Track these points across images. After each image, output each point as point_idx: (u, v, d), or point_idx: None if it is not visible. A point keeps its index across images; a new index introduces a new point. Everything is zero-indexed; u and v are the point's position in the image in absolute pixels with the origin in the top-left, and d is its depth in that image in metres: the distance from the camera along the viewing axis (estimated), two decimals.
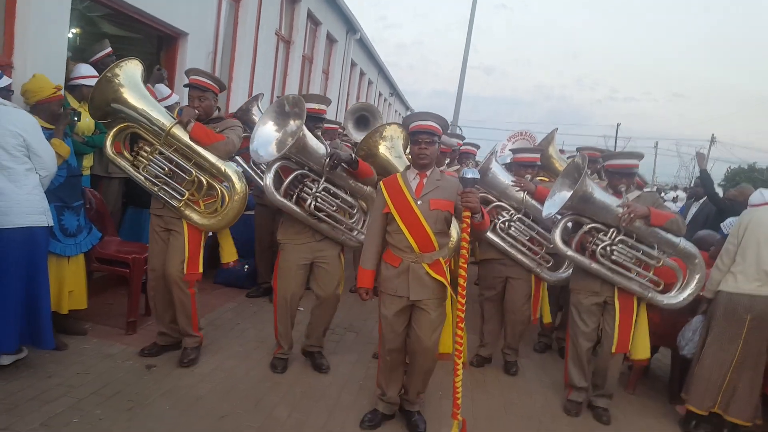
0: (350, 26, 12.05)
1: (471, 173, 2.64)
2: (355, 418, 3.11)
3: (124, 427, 2.71)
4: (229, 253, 3.69)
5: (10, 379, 2.97)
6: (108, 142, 3.30)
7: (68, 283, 3.44)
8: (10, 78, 3.27)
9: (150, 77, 4.69)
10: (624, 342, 3.46)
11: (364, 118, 6.36)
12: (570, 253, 3.47)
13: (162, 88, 4.76)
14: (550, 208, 3.46)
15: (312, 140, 3.36)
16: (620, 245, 3.40)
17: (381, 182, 2.98)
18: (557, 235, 3.48)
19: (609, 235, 3.41)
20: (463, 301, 2.68)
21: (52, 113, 3.33)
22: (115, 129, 3.31)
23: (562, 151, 6.21)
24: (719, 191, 6.04)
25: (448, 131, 4.52)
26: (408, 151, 3.26)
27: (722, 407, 3.40)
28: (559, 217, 3.50)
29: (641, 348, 3.51)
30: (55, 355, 3.29)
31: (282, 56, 8.56)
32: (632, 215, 3.26)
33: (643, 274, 3.44)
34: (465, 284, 2.67)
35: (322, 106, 3.67)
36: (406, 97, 24.27)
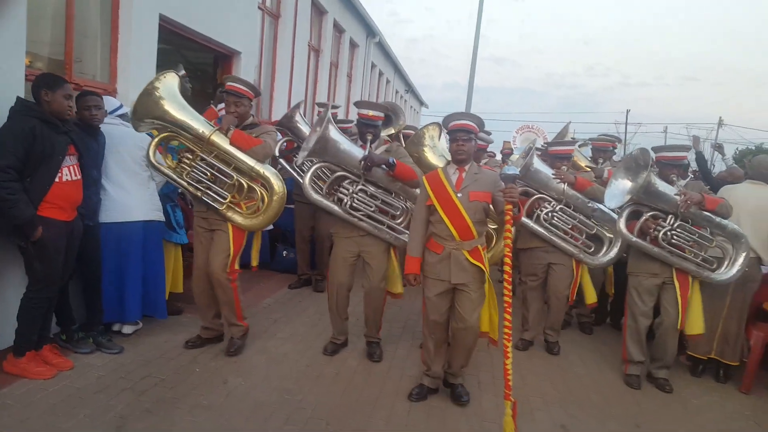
0: (370, 31, 12.76)
1: (512, 170, 2.81)
2: (410, 366, 3.83)
3: (236, 373, 3.47)
4: (254, 258, 3.86)
5: (137, 344, 3.74)
6: (150, 152, 3.41)
7: (179, 268, 4.22)
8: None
9: (214, 98, 5.42)
10: (683, 318, 3.71)
11: (386, 117, 6.97)
12: (634, 239, 3.74)
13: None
14: (613, 200, 3.74)
15: (343, 144, 3.53)
16: (679, 230, 3.67)
17: (424, 177, 3.23)
18: (622, 224, 3.76)
19: (668, 221, 3.69)
20: (510, 287, 2.80)
21: None
22: (156, 139, 3.43)
23: (573, 140, 6.71)
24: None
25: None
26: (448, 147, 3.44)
27: (718, 353, 4.07)
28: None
29: (696, 324, 3.76)
30: (163, 325, 4.04)
31: (313, 65, 9.31)
32: (689, 201, 3.55)
33: (698, 254, 3.74)
34: (510, 271, 2.81)
35: (372, 112, 3.64)
36: (419, 91, 24.87)
